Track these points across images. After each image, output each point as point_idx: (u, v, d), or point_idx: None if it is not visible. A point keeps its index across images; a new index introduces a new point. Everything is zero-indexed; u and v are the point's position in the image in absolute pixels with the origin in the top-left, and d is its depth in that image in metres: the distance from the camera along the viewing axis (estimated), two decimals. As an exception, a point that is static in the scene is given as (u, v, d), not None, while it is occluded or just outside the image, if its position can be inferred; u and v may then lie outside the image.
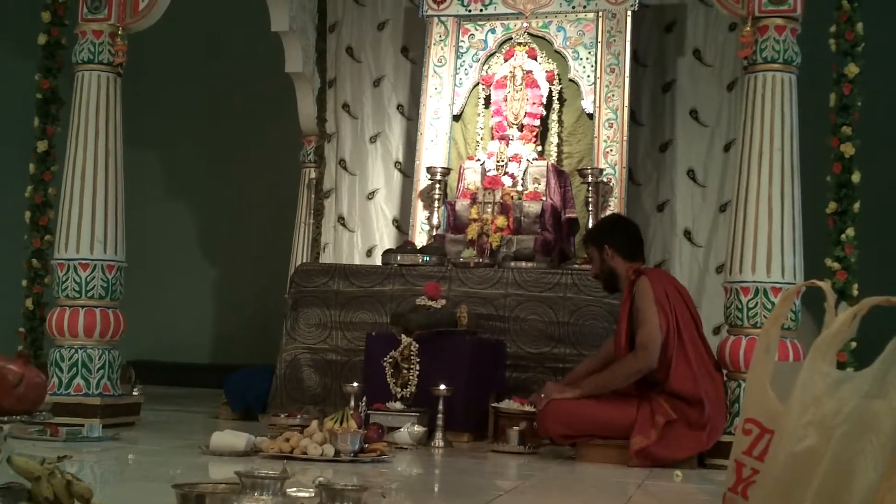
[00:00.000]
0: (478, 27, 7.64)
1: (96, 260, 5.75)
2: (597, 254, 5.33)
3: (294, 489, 2.57)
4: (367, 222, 8.12)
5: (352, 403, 5.47)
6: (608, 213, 7.05)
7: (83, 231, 5.78)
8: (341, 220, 8.18)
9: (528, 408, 5.37)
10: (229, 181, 9.86)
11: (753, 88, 5.32)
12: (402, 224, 7.94)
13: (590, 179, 6.97)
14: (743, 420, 2.15)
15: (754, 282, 5.16)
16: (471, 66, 7.60)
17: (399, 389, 5.61)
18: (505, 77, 7.35)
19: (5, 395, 2.28)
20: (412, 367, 5.63)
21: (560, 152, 7.33)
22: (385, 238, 8.02)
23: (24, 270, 6.91)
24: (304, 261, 8.06)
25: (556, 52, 7.43)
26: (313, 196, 8.24)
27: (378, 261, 7.79)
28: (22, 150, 7.10)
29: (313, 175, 8.28)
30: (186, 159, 10.22)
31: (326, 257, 8.07)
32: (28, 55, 7.29)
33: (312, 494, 2.57)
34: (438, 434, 5.39)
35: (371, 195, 8.12)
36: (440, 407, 5.40)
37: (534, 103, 7.25)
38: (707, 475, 4.75)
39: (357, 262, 7.86)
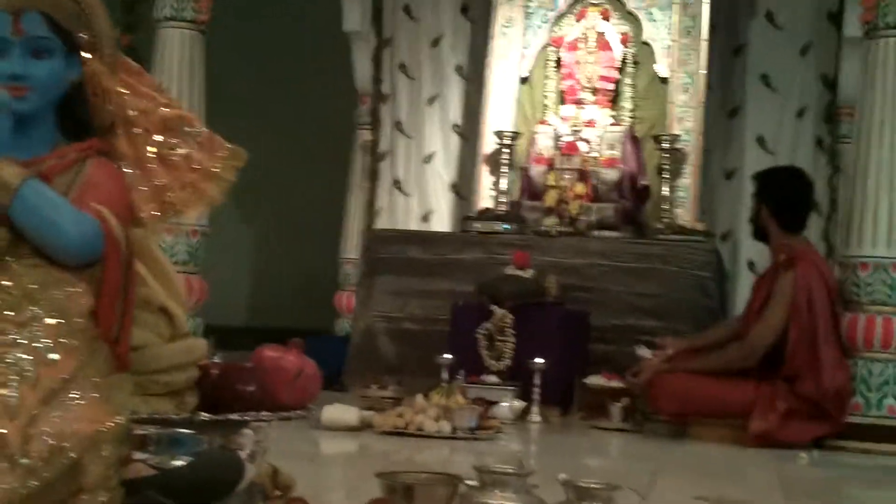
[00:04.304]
0: (548, -14, 7.37)
1: (181, 224, 5.52)
2: (755, 202, 5.13)
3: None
4: (423, 187, 7.82)
5: (444, 375, 5.25)
6: (682, 181, 6.85)
7: (165, 193, 5.54)
8: (397, 183, 7.89)
9: (616, 384, 5.23)
10: (279, 142, 9.49)
11: (874, 55, 5.07)
12: (461, 189, 7.68)
13: (665, 146, 6.75)
14: None
15: (873, 257, 4.96)
16: (539, 27, 7.32)
17: (493, 362, 5.41)
18: (577, 39, 7.08)
19: (284, 388, 2.07)
20: (507, 339, 5.42)
21: (633, 117, 7.10)
22: (442, 203, 7.74)
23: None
24: (359, 225, 7.83)
25: (629, 13, 7.17)
26: (368, 159, 7.98)
27: (435, 226, 7.58)
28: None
29: (368, 137, 8.01)
30: (234, 119, 9.78)
31: (381, 222, 7.80)
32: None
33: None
34: (535, 409, 5.22)
35: (428, 159, 7.83)
36: (536, 381, 5.22)
37: (607, 66, 7.00)
38: (831, 458, 4.59)
39: (413, 227, 7.60)
